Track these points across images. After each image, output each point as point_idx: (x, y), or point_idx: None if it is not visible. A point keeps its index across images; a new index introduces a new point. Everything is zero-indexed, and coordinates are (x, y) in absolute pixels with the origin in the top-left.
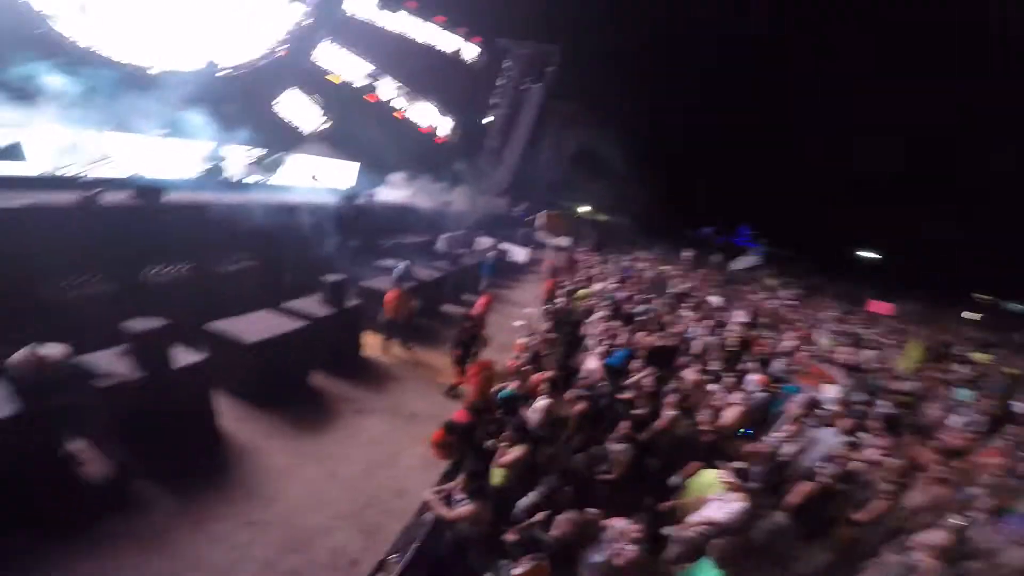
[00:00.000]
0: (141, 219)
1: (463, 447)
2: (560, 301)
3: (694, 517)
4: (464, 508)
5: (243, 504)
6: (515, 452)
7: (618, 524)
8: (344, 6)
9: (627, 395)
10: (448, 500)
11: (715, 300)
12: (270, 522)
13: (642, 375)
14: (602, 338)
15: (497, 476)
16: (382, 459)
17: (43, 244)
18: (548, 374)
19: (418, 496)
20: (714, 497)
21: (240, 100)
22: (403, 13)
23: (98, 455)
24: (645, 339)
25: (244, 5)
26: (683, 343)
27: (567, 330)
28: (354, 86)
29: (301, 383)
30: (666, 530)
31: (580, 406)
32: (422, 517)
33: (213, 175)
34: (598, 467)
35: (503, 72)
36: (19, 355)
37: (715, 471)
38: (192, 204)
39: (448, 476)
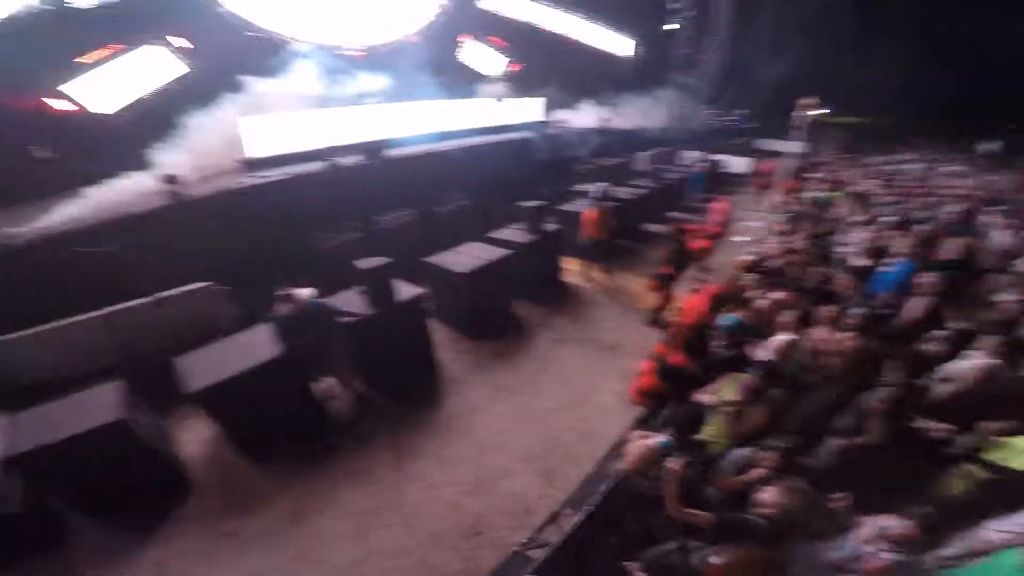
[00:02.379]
0: (371, 175)
1: (673, 393)
2: (803, 207)
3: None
4: (635, 447)
5: (440, 439)
6: (757, 417)
7: (880, 521)
8: None
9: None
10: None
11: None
12: (460, 459)
13: (927, 287)
14: (870, 248)
15: (716, 439)
16: (574, 396)
17: (303, 205)
18: (787, 296)
19: (605, 440)
20: None
21: (431, 60)
22: None
23: (340, 389)
24: (934, 248)
25: None
26: (987, 255)
27: (813, 242)
28: (525, 22)
29: (506, 312)
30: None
31: (849, 341)
32: (605, 467)
33: None
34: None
35: None
36: (282, 302)
37: None
38: (409, 156)
39: (644, 422)
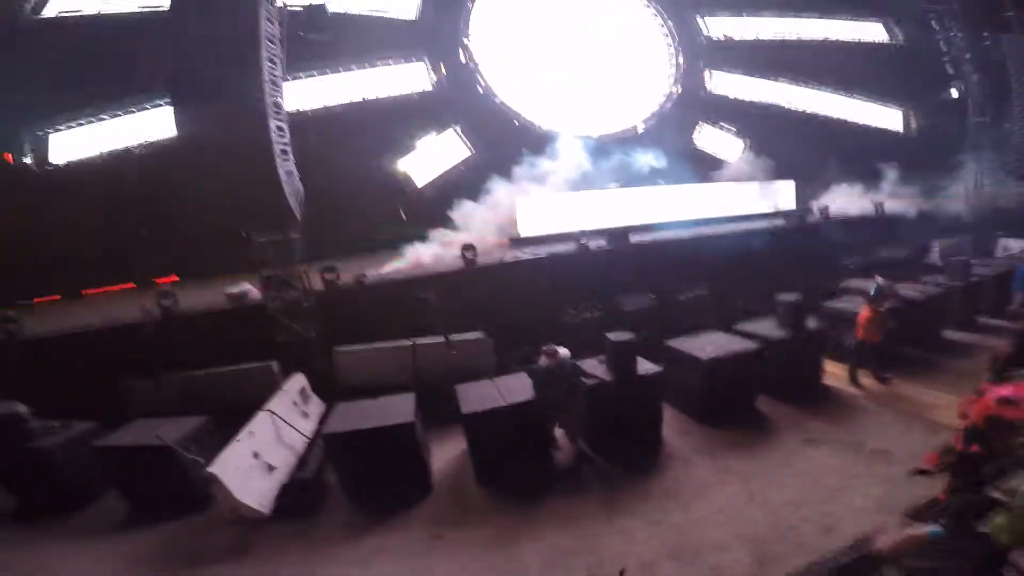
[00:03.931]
0: (615, 259)
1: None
2: None
3: None
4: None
5: (656, 504)
6: None
7: None
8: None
9: None
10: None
11: None
12: (671, 526)
13: None
14: None
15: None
16: (820, 493)
17: (556, 281)
18: None
19: (848, 538)
20: None
21: (666, 145)
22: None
23: (566, 442)
24: None
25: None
26: None
27: None
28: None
29: (747, 405)
30: None
31: None
32: (837, 558)
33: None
34: None
35: (940, 35)
36: (543, 354)
37: None
38: (651, 243)
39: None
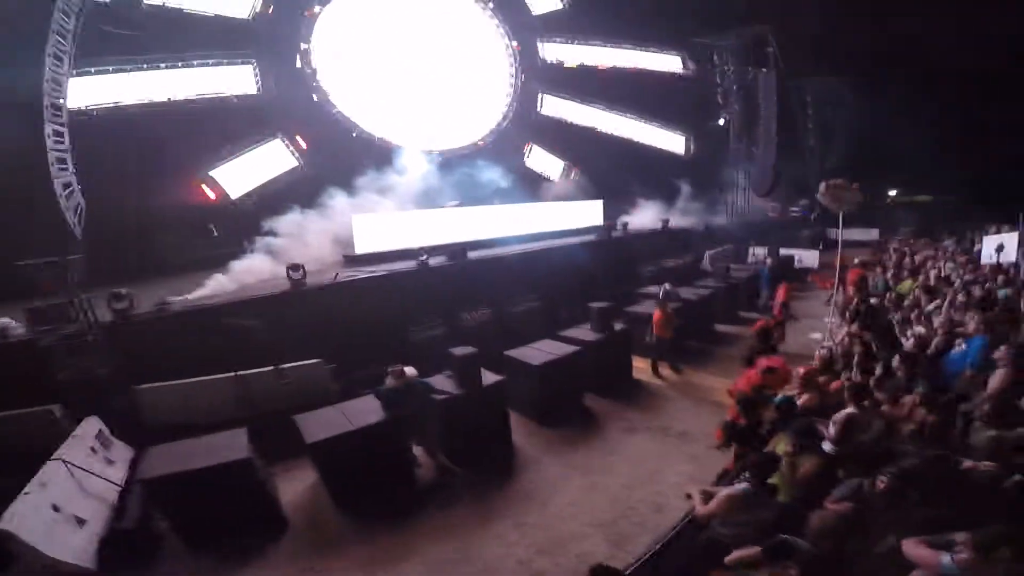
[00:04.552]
0: (455, 275)
1: (742, 447)
2: (872, 298)
3: None
4: (720, 494)
5: (518, 506)
6: (808, 465)
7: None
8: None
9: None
10: (709, 499)
11: None
12: (535, 525)
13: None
14: (945, 330)
15: (783, 488)
16: (645, 475)
17: (397, 299)
18: (848, 379)
19: (677, 513)
20: None
21: (498, 163)
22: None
23: (426, 458)
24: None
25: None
26: None
27: (879, 330)
28: (577, 125)
29: (576, 403)
30: None
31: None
32: (674, 529)
33: None
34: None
35: (716, 69)
36: (390, 376)
37: None
38: (485, 258)
39: (722, 476)
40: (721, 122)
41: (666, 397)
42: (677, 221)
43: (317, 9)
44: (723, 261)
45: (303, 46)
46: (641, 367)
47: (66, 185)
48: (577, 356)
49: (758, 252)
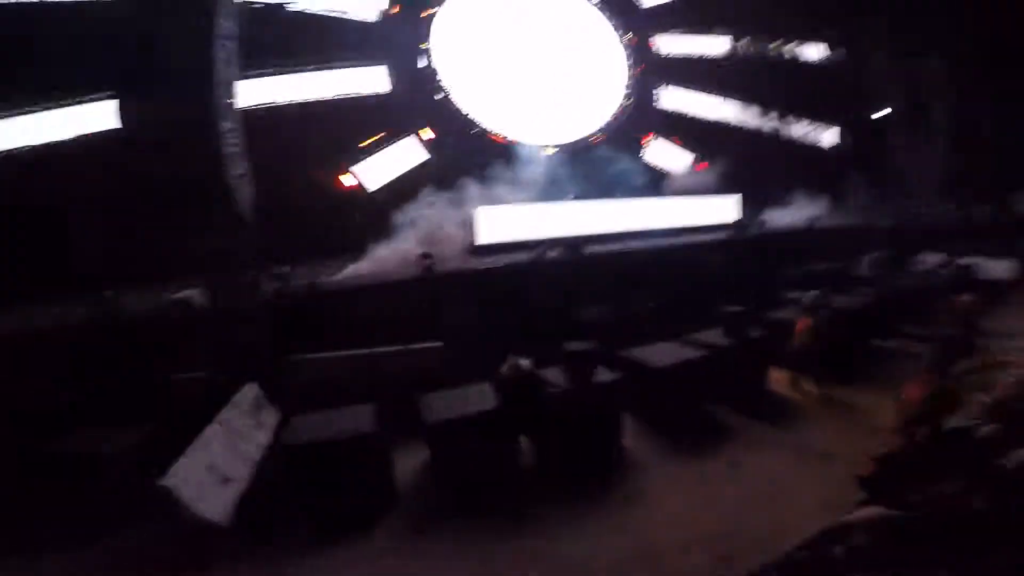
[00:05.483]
0: (571, 270)
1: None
2: None
3: None
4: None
5: (619, 510)
6: None
7: None
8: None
9: None
10: None
11: None
12: (634, 531)
13: None
14: None
15: None
16: (771, 494)
17: (515, 292)
18: None
19: (800, 537)
20: None
21: (616, 157)
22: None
23: (532, 451)
24: None
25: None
26: None
27: None
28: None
29: (698, 411)
30: None
31: None
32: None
33: None
34: None
35: (872, 59)
36: (505, 367)
37: None
38: (604, 254)
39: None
40: (888, 111)
41: (807, 414)
42: (828, 220)
43: (434, 10)
44: (884, 267)
45: (423, 45)
46: (780, 380)
47: (240, 175)
48: (704, 362)
49: (929, 259)
